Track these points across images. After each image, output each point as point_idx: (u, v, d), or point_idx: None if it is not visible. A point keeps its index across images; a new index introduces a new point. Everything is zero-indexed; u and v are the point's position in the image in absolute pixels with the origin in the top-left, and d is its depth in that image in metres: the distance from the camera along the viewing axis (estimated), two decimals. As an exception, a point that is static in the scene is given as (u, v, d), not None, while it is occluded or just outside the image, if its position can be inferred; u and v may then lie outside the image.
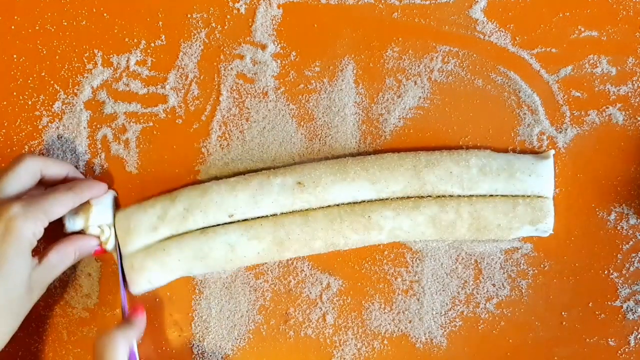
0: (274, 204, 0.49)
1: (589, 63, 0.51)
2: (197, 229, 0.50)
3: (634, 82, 0.51)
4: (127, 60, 0.52)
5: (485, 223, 0.49)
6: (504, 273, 0.51)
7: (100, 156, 0.52)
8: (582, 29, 0.52)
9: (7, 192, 0.45)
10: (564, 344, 0.51)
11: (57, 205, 0.46)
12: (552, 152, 0.50)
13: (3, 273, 0.43)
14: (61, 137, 0.52)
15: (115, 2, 0.52)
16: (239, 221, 0.50)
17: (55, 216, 0.46)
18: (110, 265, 0.52)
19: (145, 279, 0.49)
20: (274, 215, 0.50)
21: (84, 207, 0.49)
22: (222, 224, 0.50)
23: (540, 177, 0.49)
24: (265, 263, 0.51)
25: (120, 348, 0.44)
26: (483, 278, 0.51)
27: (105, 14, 0.52)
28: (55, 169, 0.49)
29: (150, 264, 0.49)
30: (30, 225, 0.44)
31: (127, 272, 0.50)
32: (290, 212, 0.50)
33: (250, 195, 0.49)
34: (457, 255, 0.51)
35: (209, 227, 0.50)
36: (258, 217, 0.50)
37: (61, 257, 0.47)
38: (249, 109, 0.52)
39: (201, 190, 0.50)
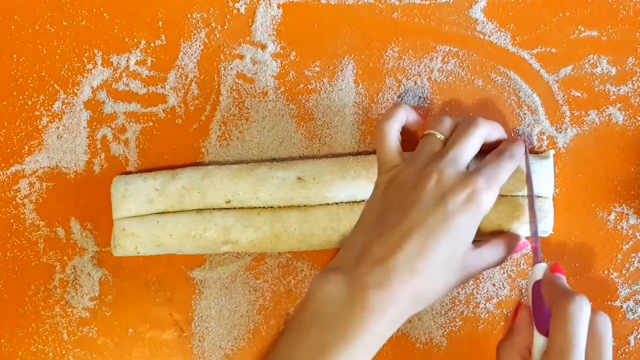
0: (273, 196, 0.49)
1: (589, 63, 0.51)
2: (193, 210, 0.50)
3: (634, 82, 0.51)
4: (127, 60, 0.52)
5: (485, 223, 0.49)
6: (504, 273, 0.51)
7: (100, 156, 0.52)
8: (582, 29, 0.52)
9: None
10: (564, 344, 0.51)
11: (505, 175, 0.45)
12: (552, 152, 0.50)
13: (452, 231, 0.42)
14: (61, 137, 0.52)
15: (115, 2, 0.52)
16: (236, 208, 0.50)
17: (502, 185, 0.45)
18: (110, 264, 0.52)
19: (133, 245, 0.49)
20: (272, 207, 0.50)
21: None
22: (219, 209, 0.50)
23: (540, 177, 0.49)
24: (265, 263, 0.51)
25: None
26: (483, 278, 0.51)
27: (105, 14, 0.52)
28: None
29: (142, 232, 0.49)
30: (491, 199, 0.43)
31: (116, 234, 0.50)
32: (289, 207, 0.50)
33: (250, 184, 0.49)
34: (457, 255, 0.51)
35: (206, 209, 0.50)
36: (256, 207, 0.50)
37: (492, 253, 0.46)
38: (248, 108, 0.52)
39: (203, 172, 0.50)
